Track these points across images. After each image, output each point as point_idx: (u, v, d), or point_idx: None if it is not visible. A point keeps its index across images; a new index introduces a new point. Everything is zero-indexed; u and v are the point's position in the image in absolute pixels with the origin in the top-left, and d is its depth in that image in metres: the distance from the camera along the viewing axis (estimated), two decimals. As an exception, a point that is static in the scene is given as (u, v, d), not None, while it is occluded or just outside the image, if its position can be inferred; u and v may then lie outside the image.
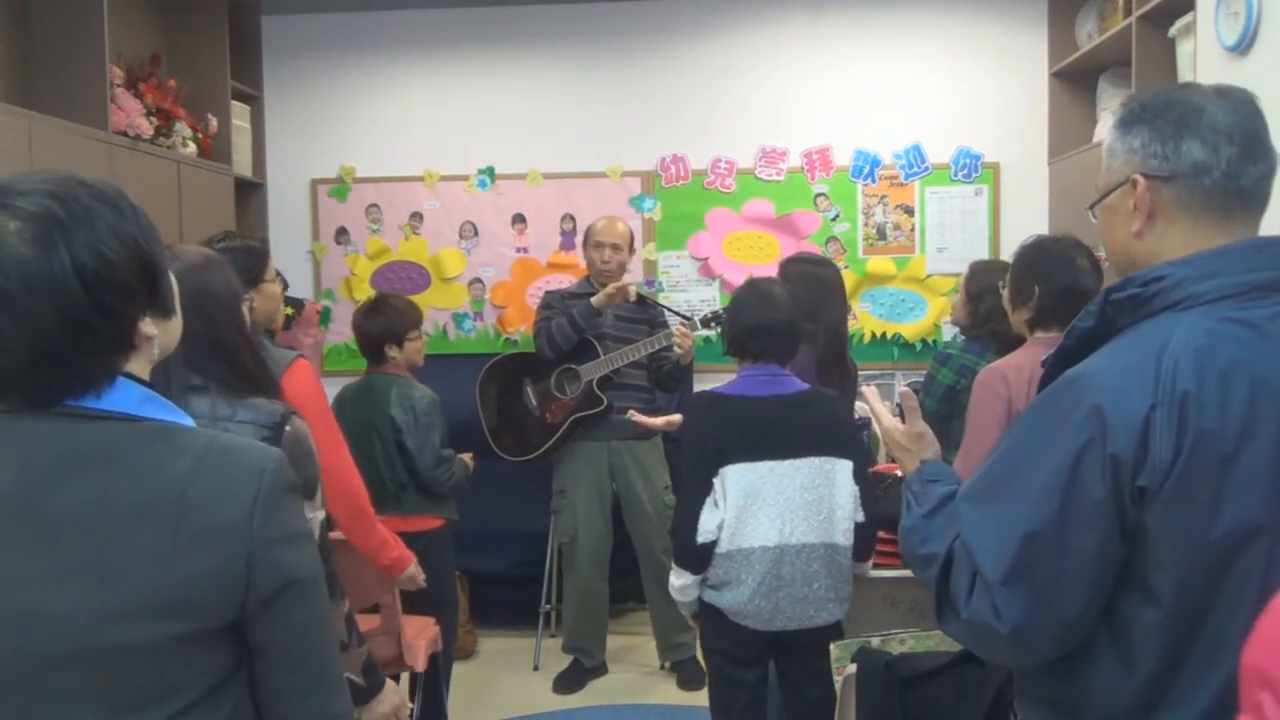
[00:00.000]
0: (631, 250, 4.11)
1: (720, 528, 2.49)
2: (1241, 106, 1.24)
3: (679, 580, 2.57)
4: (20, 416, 1.03)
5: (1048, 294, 2.50)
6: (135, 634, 1.02)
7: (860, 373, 4.90)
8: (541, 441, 4.00)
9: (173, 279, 1.17)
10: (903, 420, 1.58)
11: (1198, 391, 1.14)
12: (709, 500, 2.51)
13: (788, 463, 2.50)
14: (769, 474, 2.49)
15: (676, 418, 3.13)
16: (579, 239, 5.05)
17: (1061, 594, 1.17)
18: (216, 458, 1.07)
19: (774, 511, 2.47)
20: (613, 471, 3.95)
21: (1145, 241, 1.27)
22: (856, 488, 2.55)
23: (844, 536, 2.52)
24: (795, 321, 2.61)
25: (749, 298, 2.64)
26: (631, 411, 3.30)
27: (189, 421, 1.12)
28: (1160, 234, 1.26)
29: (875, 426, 3.64)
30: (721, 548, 2.49)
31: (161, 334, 1.12)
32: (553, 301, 4.07)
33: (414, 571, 2.78)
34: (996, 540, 1.21)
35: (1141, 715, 1.19)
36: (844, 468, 2.53)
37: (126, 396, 1.07)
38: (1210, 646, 1.15)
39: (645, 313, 4.06)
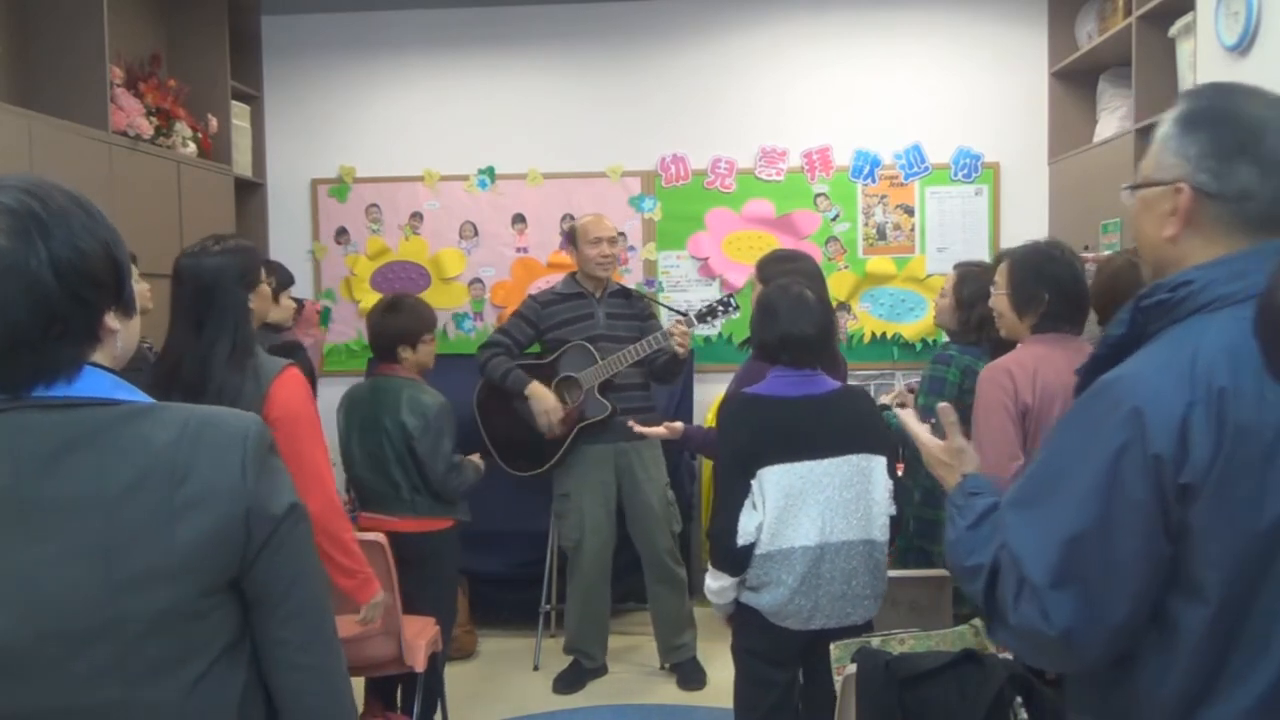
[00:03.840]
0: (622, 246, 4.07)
1: (759, 529, 2.48)
2: None
3: (717, 583, 2.56)
4: (3, 415, 1.07)
5: (1058, 300, 2.52)
6: (148, 600, 1.06)
7: (860, 373, 4.93)
8: (550, 453, 3.95)
9: (135, 282, 1.21)
10: (942, 436, 1.58)
11: (1234, 387, 1.15)
12: (747, 503, 2.51)
13: (826, 462, 2.51)
14: (808, 474, 2.49)
15: (678, 425, 3.14)
16: (579, 239, 5.07)
17: (1109, 595, 1.19)
18: (199, 428, 1.11)
19: (815, 511, 2.48)
20: (618, 473, 3.94)
21: (1177, 247, 1.28)
22: (890, 482, 2.59)
23: (880, 532, 2.55)
24: (828, 330, 2.63)
25: (782, 305, 2.61)
26: (632, 423, 3.29)
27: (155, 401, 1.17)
28: (1193, 243, 1.27)
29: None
30: (760, 549, 2.48)
31: (124, 330, 1.16)
32: (526, 313, 3.99)
33: (374, 606, 2.69)
34: (1042, 545, 1.22)
35: (1189, 711, 1.20)
36: (879, 464, 2.57)
37: (98, 382, 1.11)
38: (1259, 638, 1.16)
39: (632, 308, 4.02)
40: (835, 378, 3.09)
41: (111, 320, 1.13)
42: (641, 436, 3.35)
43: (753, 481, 2.50)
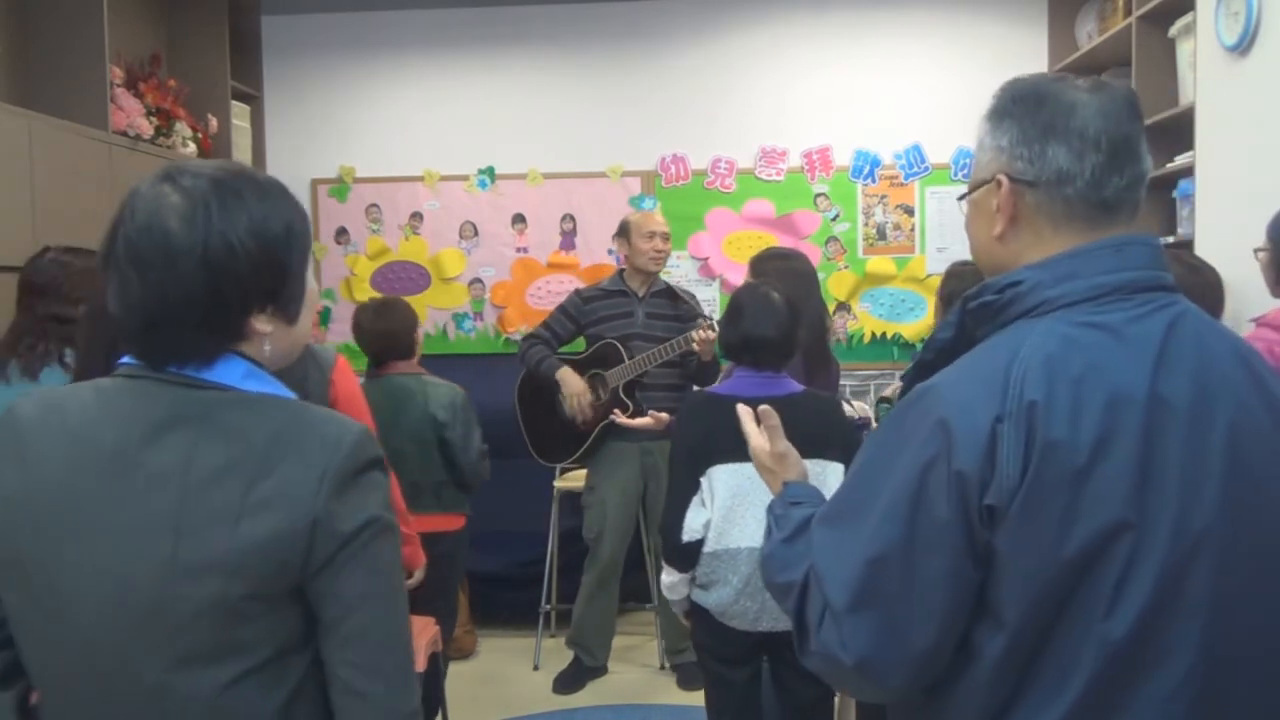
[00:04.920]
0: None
1: (707, 526, 2.49)
2: (1115, 108, 1.16)
3: (668, 578, 2.58)
4: (137, 381, 1.12)
5: None
6: (198, 589, 1.06)
7: (860, 373, 4.93)
8: (576, 447, 3.97)
9: (311, 287, 1.20)
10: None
11: (1046, 401, 1.06)
12: (696, 499, 2.51)
13: None
14: (756, 474, 2.48)
15: (664, 415, 3.12)
16: (579, 239, 5.07)
17: (910, 623, 1.09)
18: (299, 427, 1.11)
19: (760, 512, 2.46)
20: (645, 472, 3.94)
21: (1007, 246, 1.20)
22: None
23: None
24: (792, 334, 2.60)
25: (747, 306, 2.60)
26: (615, 413, 3.30)
27: (291, 397, 1.16)
28: (1023, 239, 1.19)
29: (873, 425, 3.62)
30: (708, 547, 2.49)
31: (278, 334, 1.16)
32: (568, 307, 4.03)
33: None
34: (843, 565, 1.12)
35: None
36: (835, 470, 2.51)
37: (231, 370, 1.13)
38: (1056, 670, 1.07)
39: (675, 309, 4.01)
40: (825, 380, 3.07)
41: (261, 323, 1.13)
42: (666, 435, 3.34)
43: (702, 479, 2.51)
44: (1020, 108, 1.19)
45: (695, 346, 3.62)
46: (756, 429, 1.57)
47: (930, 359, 1.22)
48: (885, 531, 1.10)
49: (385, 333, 3.33)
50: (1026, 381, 1.07)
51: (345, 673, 1.10)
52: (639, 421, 3.15)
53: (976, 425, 1.07)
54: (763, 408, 1.58)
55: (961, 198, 1.29)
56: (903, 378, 1.27)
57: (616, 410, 3.44)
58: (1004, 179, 1.18)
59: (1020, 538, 1.06)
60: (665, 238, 3.97)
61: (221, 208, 1.09)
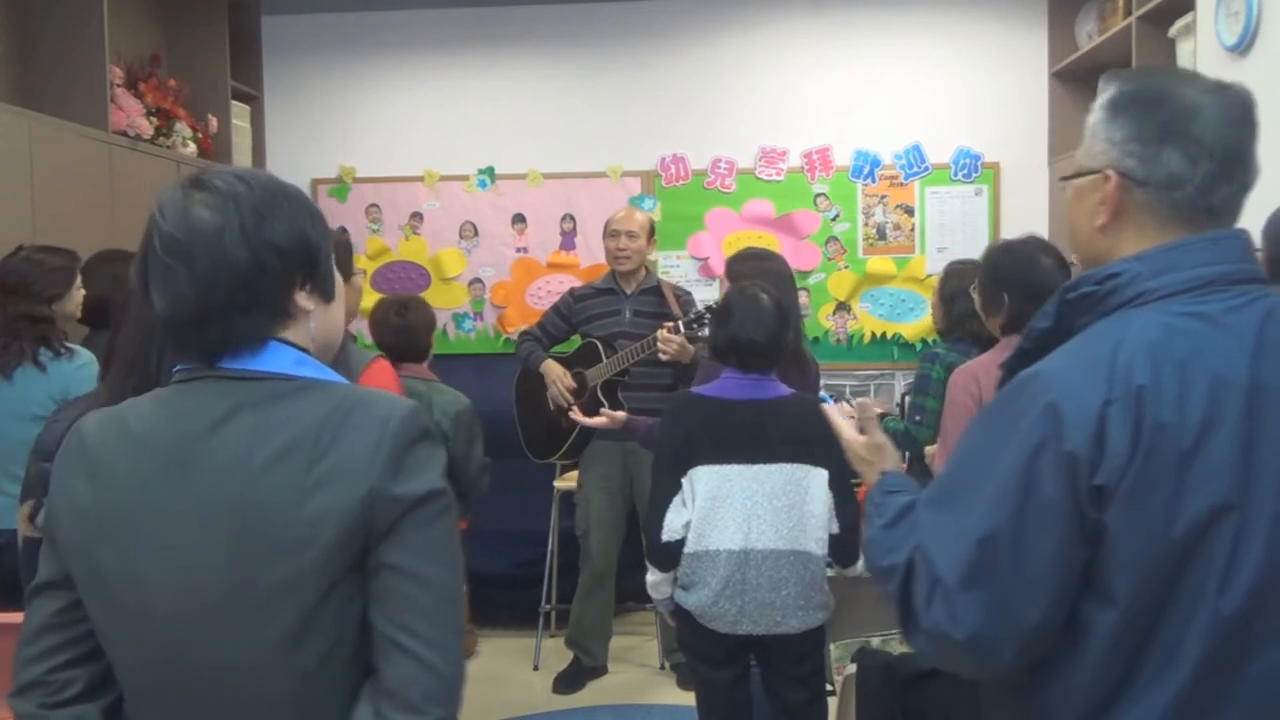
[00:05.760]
0: (651, 240, 4.03)
1: (687, 527, 2.49)
2: (1234, 114, 1.19)
3: (651, 578, 2.59)
4: (192, 382, 1.15)
5: (1015, 301, 2.46)
6: (269, 571, 1.07)
7: (860, 373, 4.93)
8: (559, 444, 4.00)
9: (348, 282, 1.27)
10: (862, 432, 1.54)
11: (1153, 385, 1.11)
12: (677, 499, 2.52)
13: (757, 467, 2.48)
14: (736, 477, 2.48)
15: (620, 415, 3.09)
16: (579, 239, 5.07)
17: (1021, 599, 1.13)
18: (351, 406, 1.13)
19: (739, 515, 2.47)
20: (629, 472, 3.94)
21: (1108, 237, 1.23)
22: (832, 496, 2.53)
23: (817, 545, 2.50)
24: (780, 337, 2.59)
25: (736, 309, 2.60)
26: (573, 410, 3.29)
27: (343, 382, 1.20)
28: (1125, 233, 1.22)
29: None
30: (688, 548, 2.50)
31: (321, 316, 1.20)
32: (561, 306, 4.07)
33: None
34: (953, 544, 1.17)
35: (1098, 717, 1.16)
36: (818, 476, 2.51)
37: (281, 358, 1.16)
38: (1168, 649, 1.12)
39: (663, 308, 4.00)
40: (801, 381, 3.05)
41: (303, 299, 1.17)
42: (628, 436, 3.32)
43: (684, 480, 2.51)
44: (1138, 105, 1.21)
45: (660, 347, 3.52)
46: (846, 423, 1.60)
47: (1029, 348, 1.26)
48: (996, 511, 1.14)
49: (405, 329, 3.29)
50: (1134, 366, 1.12)
51: (397, 635, 1.09)
52: (594, 420, 3.12)
53: (1086, 408, 1.11)
54: (858, 400, 1.62)
55: (1065, 178, 1.31)
56: (1002, 366, 1.31)
57: (575, 408, 3.43)
58: (1114, 174, 1.21)
59: (1130, 517, 1.11)
60: (630, 235, 3.94)
61: (252, 196, 1.14)
